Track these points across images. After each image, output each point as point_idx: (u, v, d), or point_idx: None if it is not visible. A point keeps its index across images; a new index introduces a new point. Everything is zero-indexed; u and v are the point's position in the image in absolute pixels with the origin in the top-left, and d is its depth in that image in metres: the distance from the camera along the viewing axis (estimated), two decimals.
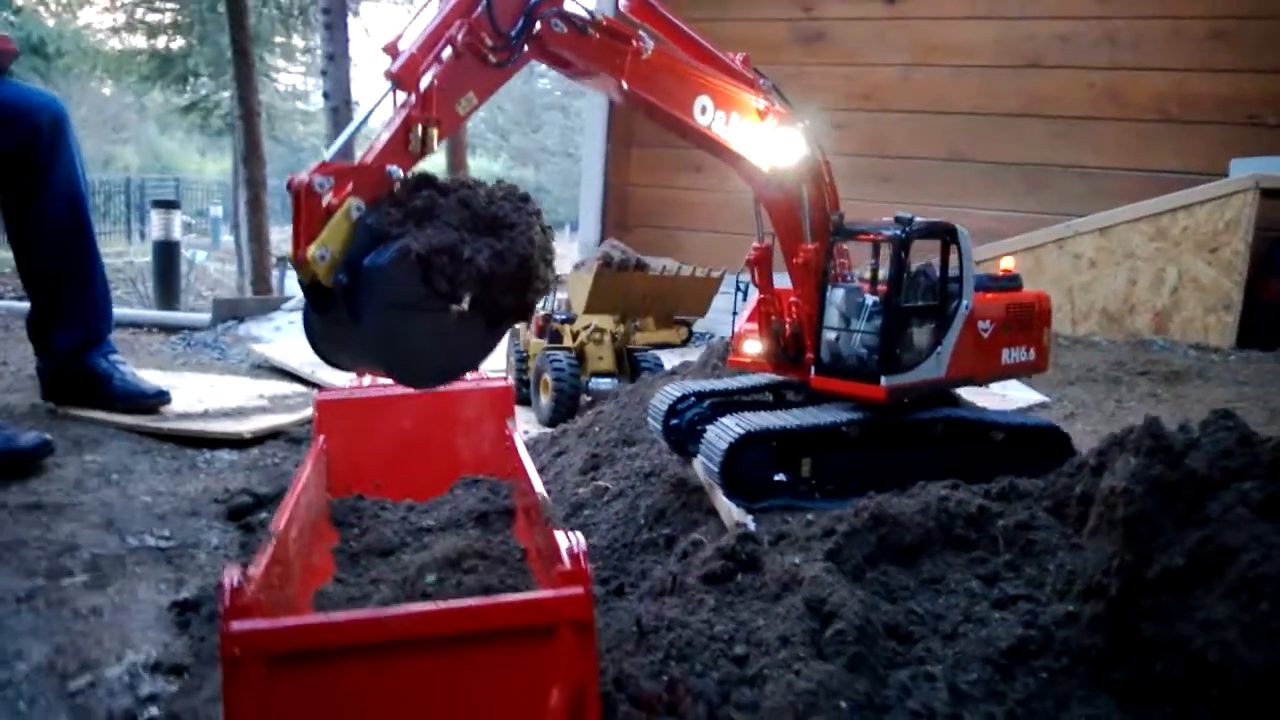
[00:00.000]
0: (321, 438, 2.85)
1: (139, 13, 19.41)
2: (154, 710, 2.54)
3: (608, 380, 5.11)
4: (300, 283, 2.11)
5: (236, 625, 1.50)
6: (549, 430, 4.67)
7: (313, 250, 2.00)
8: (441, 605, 1.62)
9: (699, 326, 7.12)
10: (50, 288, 4.66)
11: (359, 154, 2.18)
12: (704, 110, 2.55)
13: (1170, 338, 6.89)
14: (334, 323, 2.17)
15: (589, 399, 5.10)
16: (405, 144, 2.12)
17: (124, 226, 23.48)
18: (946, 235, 2.67)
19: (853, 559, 2.18)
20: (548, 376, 4.99)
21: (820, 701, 1.80)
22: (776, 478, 2.65)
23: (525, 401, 5.37)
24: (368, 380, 3.08)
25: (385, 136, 2.11)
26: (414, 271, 2.01)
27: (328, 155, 2.11)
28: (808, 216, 2.68)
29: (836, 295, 2.73)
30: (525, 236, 2.17)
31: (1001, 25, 8.66)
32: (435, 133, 2.16)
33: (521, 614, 1.60)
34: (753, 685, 1.91)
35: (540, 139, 43.49)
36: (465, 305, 2.08)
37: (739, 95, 2.60)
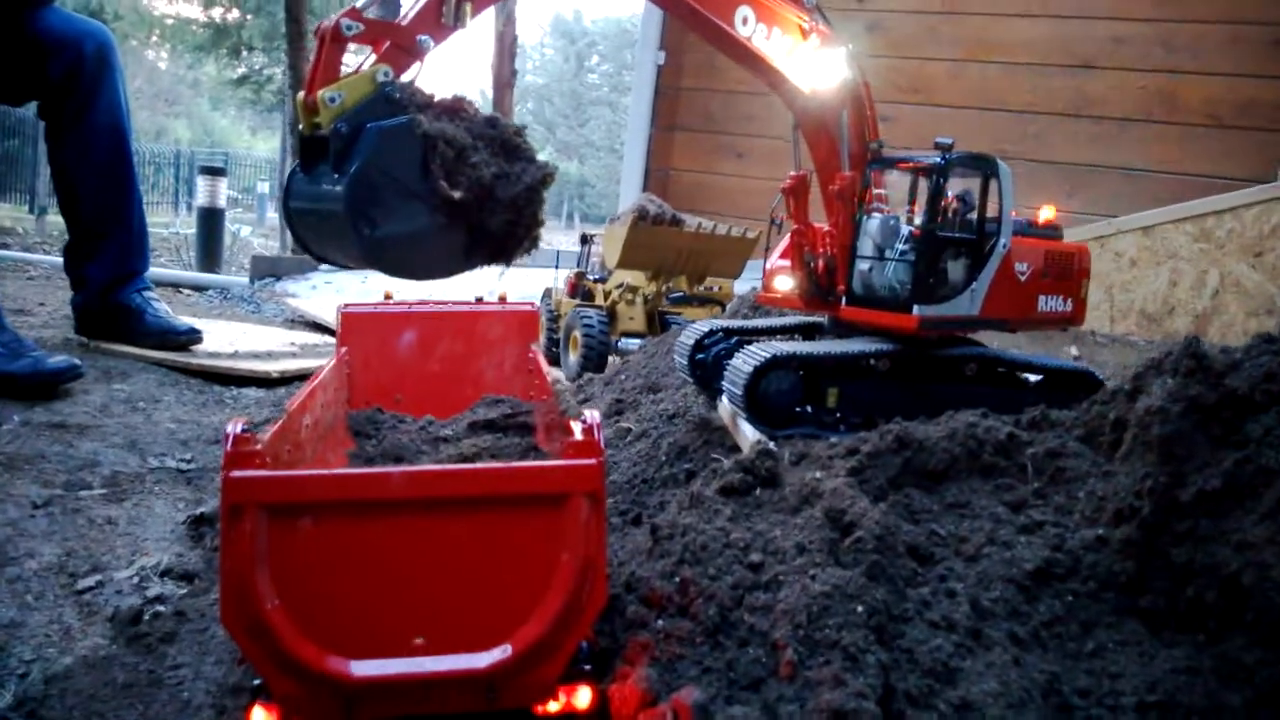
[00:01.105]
0: (344, 349, 2.82)
1: None
2: (160, 608, 2.52)
3: (637, 341, 5.07)
4: (299, 133, 2.10)
5: (237, 473, 1.46)
6: (574, 383, 4.63)
7: (324, 92, 1.98)
8: (450, 468, 1.58)
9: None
10: (88, 220, 4.68)
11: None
12: (745, 21, 2.50)
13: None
14: (315, 183, 2.15)
15: (617, 359, 5.06)
16: (439, 13, 2.10)
17: (171, 197, 23.72)
18: (987, 169, 2.60)
19: (876, 480, 2.12)
20: (577, 333, 4.95)
21: (835, 605, 1.74)
22: (801, 409, 2.59)
23: (555, 362, 5.34)
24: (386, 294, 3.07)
25: (420, 3, 2.08)
26: (414, 146, 2.02)
27: (359, 2, 2.08)
28: (846, 143, 2.62)
29: (871, 224, 2.67)
30: (533, 175, 2.21)
31: (1055, 24, 8.53)
32: (470, 7, 2.13)
33: (532, 481, 1.56)
34: (767, 589, 1.86)
35: (586, 133, 43.59)
36: (453, 195, 2.06)
37: (782, 10, 2.55)
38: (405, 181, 2.04)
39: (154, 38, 21.79)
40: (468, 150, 2.08)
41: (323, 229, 2.17)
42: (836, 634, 1.69)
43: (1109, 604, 1.87)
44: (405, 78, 2.12)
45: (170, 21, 20.22)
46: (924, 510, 2.08)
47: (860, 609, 1.74)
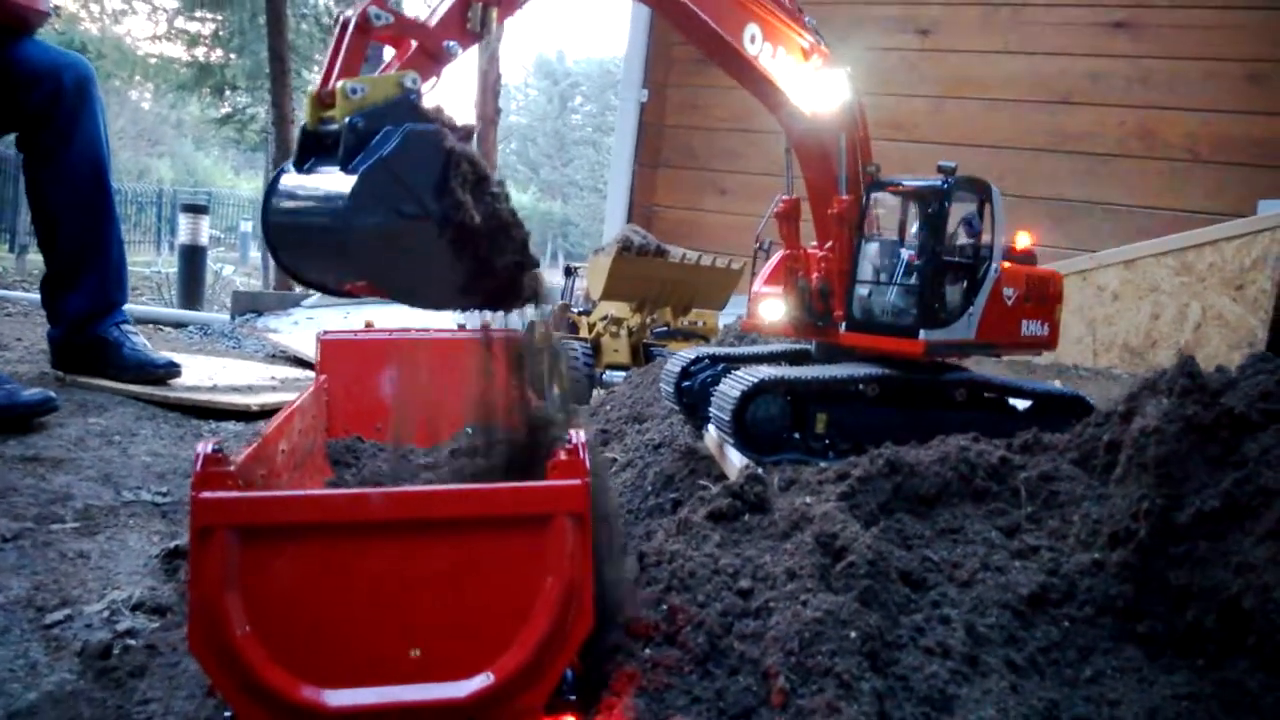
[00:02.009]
0: (323, 377, 2.77)
1: (179, 21, 19.70)
2: (131, 642, 2.45)
3: (622, 373, 5.03)
4: (303, 127, 1.99)
5: (207, 494, 1.41)
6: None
7: (346, 83, 1.86)
8: (430, 489, 1.53)
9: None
10: (67, 252, 4.62)
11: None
12: (753, 39, 2.48)
13: None
14: (309, 182, 2.00)
15: (602, 391, 5.02)
16: (464, 19, 2.03)
17: (154, 236, 23.64)
18: (983, 193, 2.59)
19: (867, 505, 2.08)
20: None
21: (828, 630, 1.69)
22: (790, 435, 2.55)
23: (540, 395, 5.29)
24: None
25: (444, 6, 2.02)
26: (438, 158, 1.90)
27: None
28: (843, 167, 2.60)
29: (871, 248, 2.65)
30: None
31: (1034, 60, 8.63)
32: (495, 13, 2.06)
33: (514, 502, 1.51)
34: (757, 616, 1.81)
35: (570, 173, 43.84)
36: (474, 217, 1.97)
37: (787, 30, 2.54)
38: (420, 193, 1.90)
39: (137, 77, 21.79)
40: (488, 180, 2.00)
41: (309, 234, 1.99)
42: (829, 661, 1.64)
43: (1106, 629, 1.83)
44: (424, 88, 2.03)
45: (154, 61, 20.25)
46: (916, 536, 2.04)
47: (853, 635, 1.69)
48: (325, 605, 1.46)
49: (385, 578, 1.47)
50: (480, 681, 1.48)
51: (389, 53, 2.14)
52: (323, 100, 1.95)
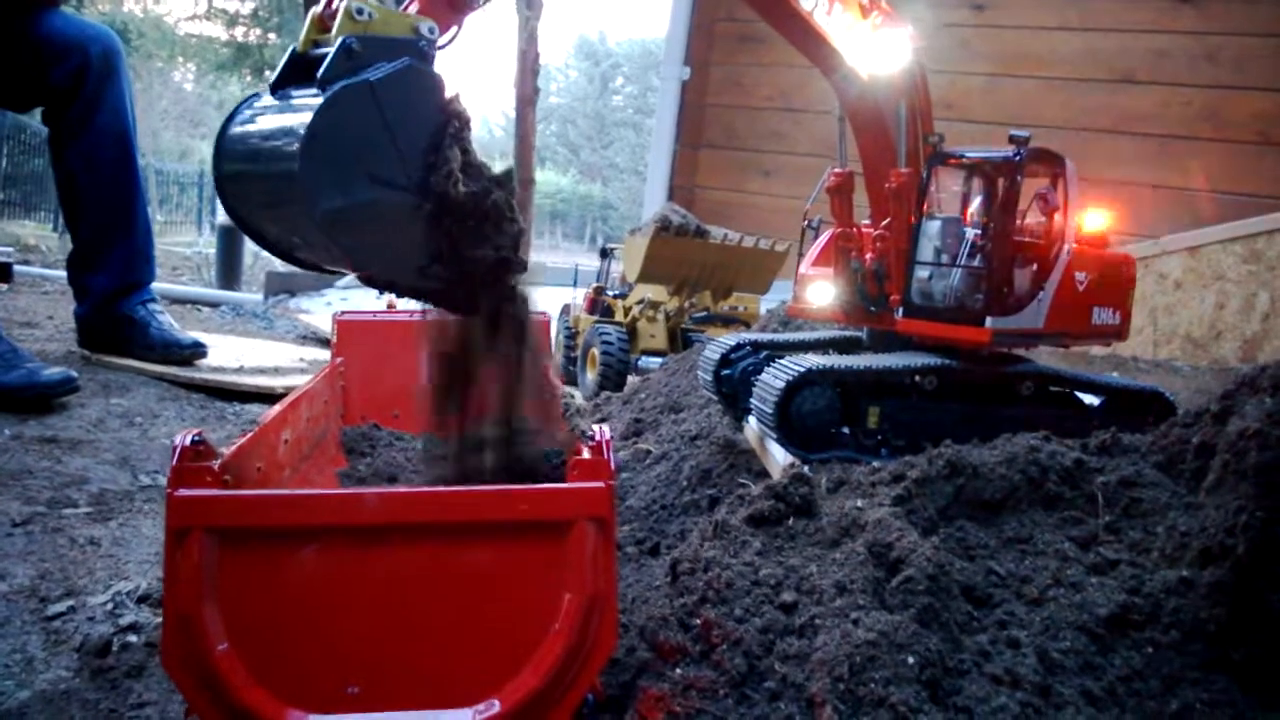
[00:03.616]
0: (339, 360, 2.61)
1: (218, 0, 19.69)
2: (132, 638, 2.31)
3: (658, 359, 4.83)
4: (291, 49, 1.75)
5: (184, 492, 1.24)
6: (591, 402, 4.41)
7: (353, 2, 1.65)
8: (433, 489, 1.36)
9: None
10: (93, 228, 4.53)
11: None
12: None
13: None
14: (277, 106, 1.73)
15: (637, 378, 4.84)
16: None
17: (195, 217, 23.76)
18: (1057, 166, 2.37)
19: (925, 510, 1.88)
20: (595, 350, 4.73)
21: (882, 655, 1.50)
22: (838, 430, 2.35)
23: (572, 381, 5.12)
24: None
25: None
26: (433, 110, 1.68)
27: None
28: (903, 137, 2.38)
29: (932, 227, 2.43)
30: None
31: (1094, 37, 8.31)
32: None
33: (530, 506, 1.33)
34: (801, 635, 1.62)
35: (610, 155, 43.64)
36: (459, 188, 1.73)
37: None
38: (402, 141, 1.64)
39: (179, 58, 21.83)
40: (474, 159, 1.77)
41: (268, 170, 1.67)
42: (883, 689, 1.45)
43: (1195, 656, 1.62)
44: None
45: (193, 40, 20.28)
46: (980, 546, 1.84)
47: (911, 660, 1.50)
48: (313, 620, 1.30)
49: (380, 590, 1.31)
50: (484, 709, 1.31)
51: None
52: (323, 21, 1.73)
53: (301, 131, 1.55)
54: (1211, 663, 1.61)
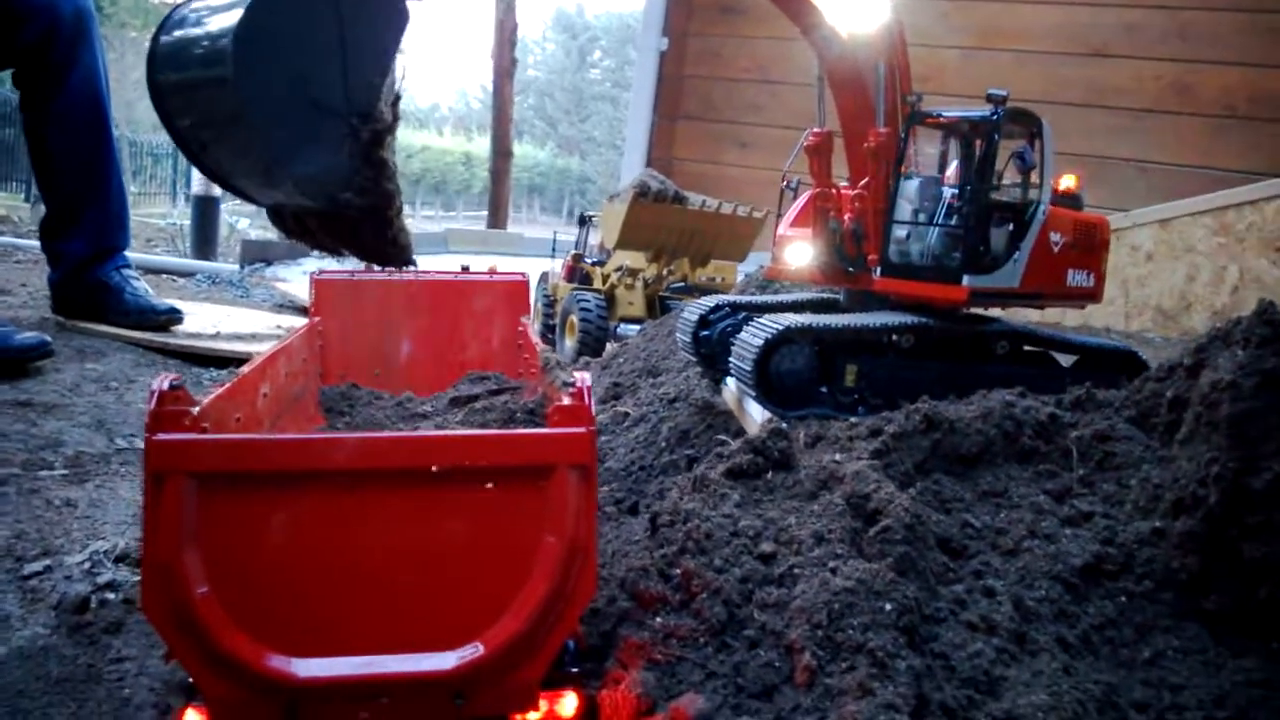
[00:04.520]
0: (317, 319, 2.59)
1: None
2: (109, 595, 2.31)
3: (636, 326, 4.83)
4: None
5: (162, 436, 1.24)
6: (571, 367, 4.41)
7: None
8: (415, 434, 1.35)
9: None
10: (66, 193, 4.46)
11: None
12: None
13: None
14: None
15: (615, 344, 4.84)
16: None
17: (169, 188, 23.45)
18: (1033, 126, 2.38)
19: (901, 464, 1.90)
20: (574, 317, 4.72)
21: (860, 602, 1.52)
22: (817, 388, 2.37)
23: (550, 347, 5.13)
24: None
25: None
26: (395, 28, 1.62)
27: None
28: (882, 96, 2.39)
29: (910, 186, 2.44)
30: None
31: (1068, 10, 8.31)
32: None
33: (511, 451, 1.34)
34: (780, 584, 1.64)
35: (588, 129, 43.38)
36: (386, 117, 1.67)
37: None
38: (351, 43, 1.55)
39: (150, 28, 21.47)
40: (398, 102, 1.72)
41: (206, 61, 1.54)
42: (861, 636, 1.47)
43: (1168, 605, 1.65)
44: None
45: (167, 10, 19.95)
46: (955, 499, 1.86)
47: (889, 607, 1.52)
48: (294, 564, 1.30)
49: (362, 534, 1.31)
50: (469, 652, 1.32)
51: None
52: None
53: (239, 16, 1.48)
54: (1183, 611, 1.64)
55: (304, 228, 1.70)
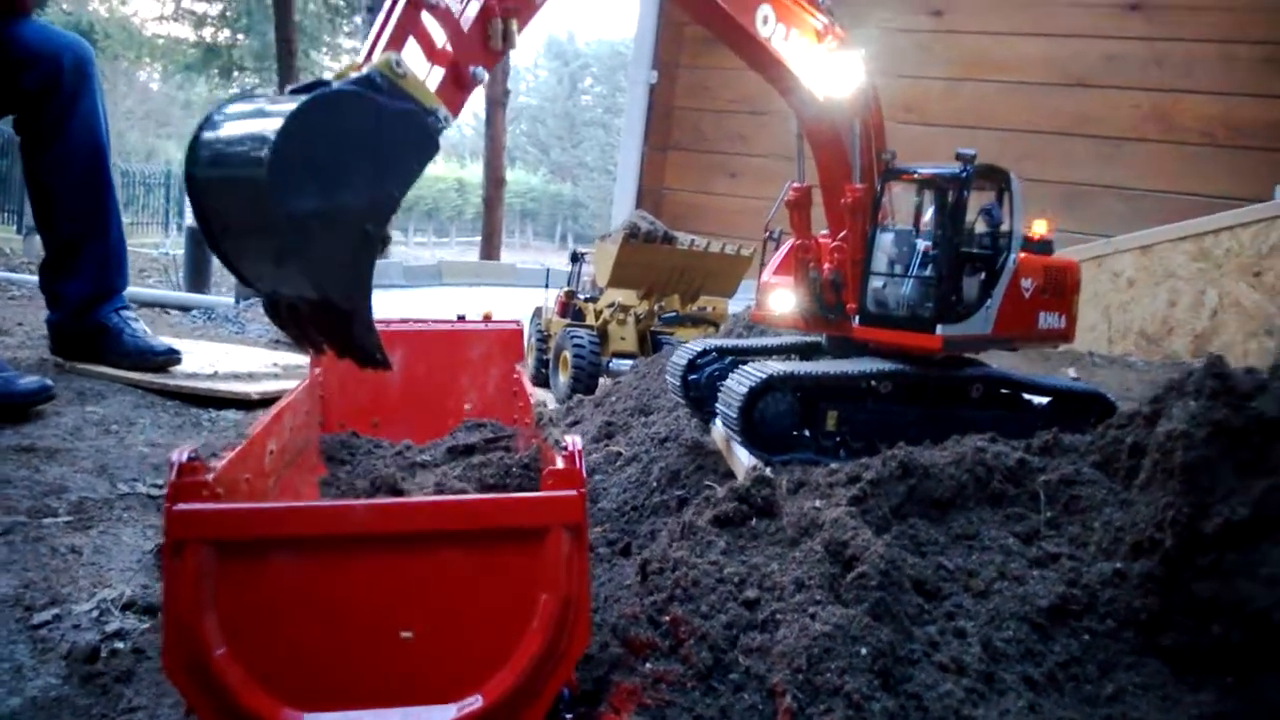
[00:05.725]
0: (317, 370, 2.69)
1: (186, 1, 19.60)
2: (119, 645, 2.38)
3: (629, 361, 4.94)
4: (323, 77, 1.71)
5: (181, 506, 1.33)
6: (564, 404, 4.50)
7: (394, 55, 1.68)
8: (418, 500, 1.45)
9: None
10: (65, 236, 4.54)
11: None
12: (765, 20, 2.37)
13: None
14: (260, 108, 1.65)
15: (609, 380, 4.94)
16: (485, 37, 1.86)
17: (162, 218, 23.56)
18: (1002, 181, 2.49)
19: (879, 509, 1.99)
20: (567, 353, 4.82)
21: (838, 646, 1.61)
22: (799, 433, 2.47)
23: (545, 383, 5.22)
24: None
25: (466, 26, 1.84)
26: (424, 154, 1.71)
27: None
28: (858, 154, 2.50)
29: (885, 239, 2.55)
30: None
31: (1049, 42, 8.49)
32: (515, 23, 1.88)
33: (508, 514, 1.43)
34: (763, 629, 1.73)
35: (580, 154, 43.65)
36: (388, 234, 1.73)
37: (801, 12, 2.44)
38: (387, 175, 1.65)
39: (145, 58, 21.66)
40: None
41: (237, 168, 1.57)
42: (839, 679, 1.56)
43: (1129, 643, 1.75)
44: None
45: (160, 41, 20.14)
46: (930, 542, 1.96)
47: (864, 651, 1.61)
48: (306, 623, 1.38)
49: (369, 594, 1.40)
50: (469, 704, 1.41)
51: None
52: (357, 68, 1.73)
53: (274, 129, 1.51)
54: (1143, 648, 1.73)
55: (296, 318, 1.77)
